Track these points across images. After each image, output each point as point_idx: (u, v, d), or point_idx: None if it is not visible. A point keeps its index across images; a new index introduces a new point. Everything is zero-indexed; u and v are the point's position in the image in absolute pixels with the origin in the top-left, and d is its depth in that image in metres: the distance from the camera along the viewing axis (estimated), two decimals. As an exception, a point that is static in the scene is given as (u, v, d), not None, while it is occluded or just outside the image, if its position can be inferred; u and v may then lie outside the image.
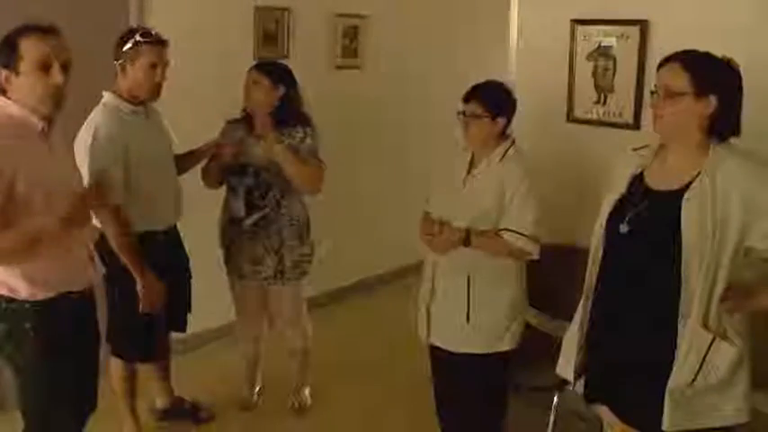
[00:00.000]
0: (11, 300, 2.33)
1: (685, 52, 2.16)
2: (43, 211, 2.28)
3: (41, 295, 2.34)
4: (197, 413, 3.61)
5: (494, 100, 2.84)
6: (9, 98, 2.31)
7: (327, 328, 4.01)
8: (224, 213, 3.47)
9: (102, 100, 2.98)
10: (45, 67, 2.28)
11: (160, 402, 3.59)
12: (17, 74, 2.28)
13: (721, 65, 2.14)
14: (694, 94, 2.10)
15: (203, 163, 3.43)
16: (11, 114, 2.30)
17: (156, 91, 3.03)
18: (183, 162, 3.35)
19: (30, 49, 2.26)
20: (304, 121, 3.39)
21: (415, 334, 3.07)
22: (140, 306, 2.96)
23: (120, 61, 2.95)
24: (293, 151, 3.28)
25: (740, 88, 2.16)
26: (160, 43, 2.99)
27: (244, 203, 3.35)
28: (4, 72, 2.29)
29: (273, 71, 3.33)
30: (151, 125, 3.11)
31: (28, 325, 2.34)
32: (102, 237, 2.90)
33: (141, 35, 2.95)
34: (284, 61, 3.58)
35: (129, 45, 2.94)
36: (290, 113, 3.34)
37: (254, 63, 3.42)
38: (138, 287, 2.95)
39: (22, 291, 2.32)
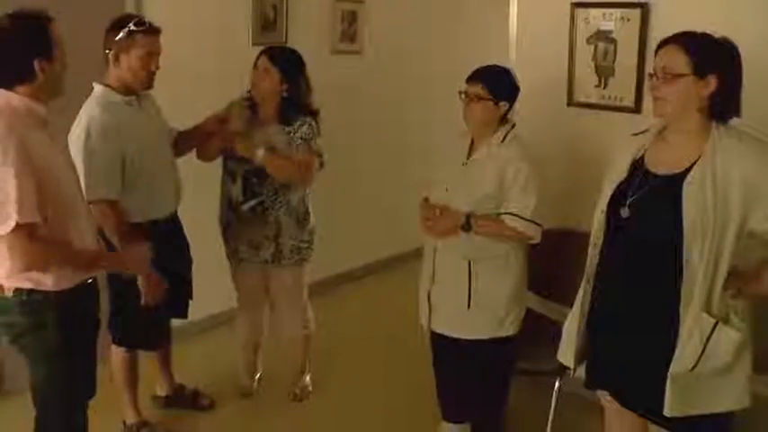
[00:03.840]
0: (34, 291, 2.31)
1: (683, 33, 2.15)
2: (53, 200, 2.26)
3: (66, 285, 2.33)
4: (197, 400, 3.61)
5: (497, 83, 2.82)
6: (31, 88, 2.26)
7: (328, 315, 4.00)
8: (222, 196, 3.45)
9: (93, 92, 2.93)
10: (63, 53, 2.31)
11: (161, 390, 3.59)
12: (50, 61, 2.26)
13: (720, 45, 2.13)
14: (693, 74, 2.09)
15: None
16: (15, 106, 2.25)
17: (149, 80, 2.99)
18: (187, 140, 3.31)
19: (58, 36, 2.27)
20: (308, 112, 3.34)
21: (416, 320, 3.07)
22: (142, 300, 2.96)
23: (112, 51, 2.89)
24: (277, 149, 3.24)
25: (740, 68, 2.15)
26: (154, 32, 2.94)
27: (242, 188, 3.33)
28: (40, 61, 2.24)
29: (283, 61, 3.26)
30: (145, 114, 3.06)
31: (51, 315, 2.33)
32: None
33: (135, 24, 2.89)
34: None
35: (122, 34, 2.87)
36: (295, 106, 3.30)
37: (266, 48, 3.34)
38: (139, 281, 2.94)
39: (49, 281, 2.31)
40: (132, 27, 2.88)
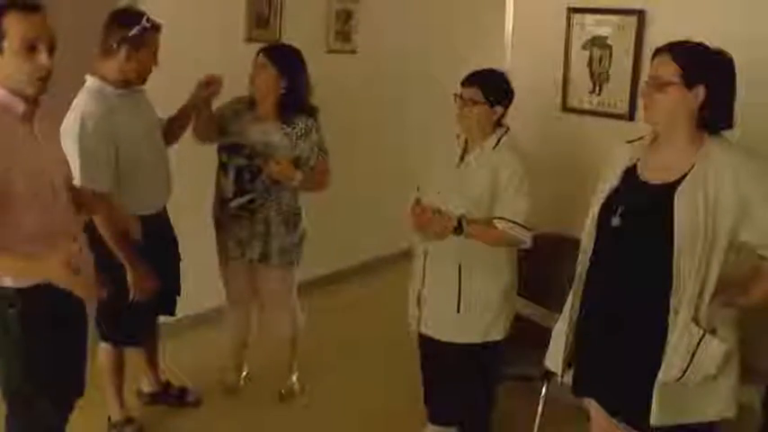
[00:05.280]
0: None
1: (677, 43, 2.15)
2: (28, 199, 2.21)
3: (28, 283, 2.28)
4: (184, 397, 3.59)
5: (493, 87, 2.82)
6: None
7: (317, 315, 3.99)
8: (216, 191, 3.43)
9: (86, 85, 2.90)
10: (31, 48, 2.16)
11: (147, 386, 3.57)
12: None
13: (712, 56, 2.13)
14: (682, 84, 2.09)
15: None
16: None
17: (148, 76, 3.00)
18: (175, 124, 3.29)
19: (14, 27, 2.13)
20: (308, 111, 3.32)
21: (405, 322, 3.06)
22: (131, 295, 2.94)
23: (124, 46, 2.86)
24: (274, 147, 3.23)
25: (732, 80, 2.15)
26: (159, 29, 2.96)
27: (233, 184, 3.30)
28: None
29: (281, 58, 3.23)
30: (138, 107, 3.04)
31: (13, 311, 2.29)
32: (91, 222, 2.87)
33: (148, 20, 2.90)
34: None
35: (136, 31, 2.86)
36: (294, 104, 3.27)
37: (265, 45, 3.33)
38: (129, 277, 2.93)
39: (7, 279, 2.26)
40: (146, 24, 2.89)
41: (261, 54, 3.25)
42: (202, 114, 3.32)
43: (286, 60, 3.25)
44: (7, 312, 2.29)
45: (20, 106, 2.23)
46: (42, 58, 2.18)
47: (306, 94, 3.32)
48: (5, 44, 2.15)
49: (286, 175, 3.20)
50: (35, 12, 2.18)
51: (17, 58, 2.16)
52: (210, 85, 3.25)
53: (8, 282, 2.28)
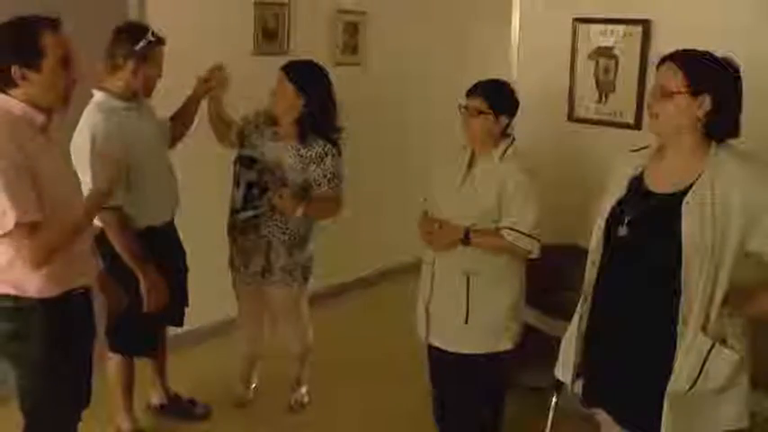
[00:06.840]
0: (18, 298, 2.28)
1: (682, 51, 2.14)
2: (50, 208, 2.23)
3: (51, 293, 2.30)
4: (193, 410, 3.59)
5: (498, 97, 2.82)
6: (10, 94, 2.22)
7: (326, 326, 3.99)
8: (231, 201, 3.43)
9: (94, 100, 2.93)
10: (66, 64, 2.23)
11: (156, 398, 3.57)
12: (38, 70, 2.20)
13: (718, 64, 2.11)
14: (688, 93, 2.08)
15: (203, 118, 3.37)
16: (11, 112, 2.22)
17: (154, 88, 3.03)
18: (178, 121, 3.31)
19: (53, 44, 2.20)
20: (329, 133, 3.26)
21: (414, 333, 3.06)
22: (144, 306, 2.96)
23: (131, 60, 2.90)
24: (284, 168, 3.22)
25: (738, 89, 2.13)
26: (164, 42, 2.99)
27: (242, 196, 3.30)
28: (20, 68, 2.18)
29: (301, 76, 3.18)
30: (144, 119, 3.07)
31: (36, 323, 2.30)
32: (103, 232, 2.89)
33: (153, 34, 2.93)
34: (284, 58, 3.51)
35: (142, 44, 2.89)
36: (313, 124, 3.21)
37: (286, 62, 3.28)
38: (142, 287, 2.94)
39: (32, 289, 2.28)
40: (152, 38, 2.92)
41: (281, 71, 3.21)
42: (214, 113, 3.34)
43: (306, 78, 3.20)
44: (30, 326, 2.31)
45: (39, 118, 2.28)
46: (75, 73, 2.26)
47: (327, 114, 3.25)
48: (44, 62, 2.20)
49: (287, 210, 3.17)
50: (61, 27, 2.25)
51: (54, 74, 2.22)
52: (210, 79, 3.28)
53: (32, 292, 2.29)
